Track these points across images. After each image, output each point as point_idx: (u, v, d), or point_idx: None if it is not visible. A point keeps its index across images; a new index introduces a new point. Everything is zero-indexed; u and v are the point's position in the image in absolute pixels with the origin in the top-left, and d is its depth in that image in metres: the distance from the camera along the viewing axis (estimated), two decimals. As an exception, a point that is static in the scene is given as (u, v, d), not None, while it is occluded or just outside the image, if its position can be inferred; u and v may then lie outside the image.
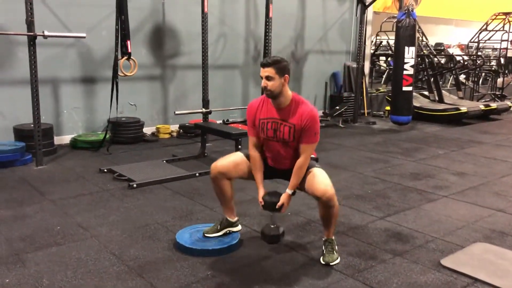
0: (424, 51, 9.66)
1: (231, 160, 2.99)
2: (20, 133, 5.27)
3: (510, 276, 2.76)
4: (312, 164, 2.88)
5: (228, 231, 3.17)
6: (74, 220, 3.47)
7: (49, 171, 4.75)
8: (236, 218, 3.19)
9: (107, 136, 5.74)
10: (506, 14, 11.11)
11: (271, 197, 2.82)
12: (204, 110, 5.80)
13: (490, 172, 5.08)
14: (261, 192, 2.87)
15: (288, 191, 2.82)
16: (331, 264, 2.84)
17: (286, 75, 2.75)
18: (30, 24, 4.60)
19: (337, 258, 2.89)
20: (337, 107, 8.09)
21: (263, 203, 2.83)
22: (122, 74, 5.40)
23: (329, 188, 2.72)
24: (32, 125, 4.90)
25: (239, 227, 3.23)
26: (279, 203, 2.79)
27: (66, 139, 5.94)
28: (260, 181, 2.91)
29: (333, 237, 2.96)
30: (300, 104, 2.79)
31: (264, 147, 2.96)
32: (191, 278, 2.66)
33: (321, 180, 2.76)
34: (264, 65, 2.74)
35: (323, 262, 2.85)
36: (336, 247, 2.96)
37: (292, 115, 2.77)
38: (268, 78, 2.71)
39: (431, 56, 9.66)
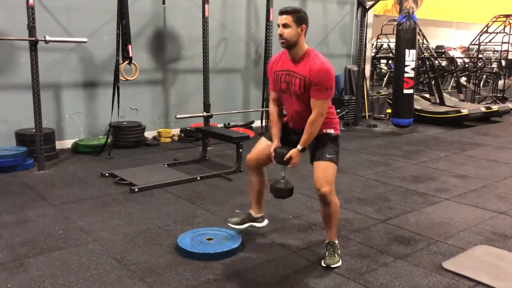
0: (425, 54, 9.67)
1: (258, 147, 3.06)
2: (22, 138, 5.28)
3: (512, 278, 2.76)
4: (324, 152, 2.82)
5: (251, 226, 3.22)
6: (76, 225, 3.48)
7: (50, 176, 4.76)
8: (260, 215, 3.23)
9: (109, 140, 5.75)
10: (506, 16, 11.11)
11: (281, 149, 2.85)
12: (205, 114, 5.82)
13: (491, 175, 5.07)
14: (275, 144, 2.89)
15: (298, 146, 2.79)
16: (332, 266, 2.84)
17: (304, 25, 2.72)
18: (31, 29, 4.62)
19: (339, 261, 2.89)
20: (338, 110, 8.08)
21: (273, 154, 2.86)
22: (124, 79, 5.42)
23: (325, 184, 2.74)
24: (34, 130, 4.91)
25: (262, 224, 3.27)
26: (287, 156, 2.79)
27: (67, 143, 5.95)
28: (276, 135, 2.92)
29: (336, 241, 2.97)
30: (314, 57, 2.74)
31: (283, 105, 2.96)
32: (192, 282, 2.66)
33: (321, 174, 2.77)
34: (282, 13, 2.71)
35: (324, 265, 2.86)
36: (339, 250, 2.96)
37: (304, 67, 2.74)
38: (285, 25, 2.69)
39: (432, 58, 9.67)
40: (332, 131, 2.90)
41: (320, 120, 2.76)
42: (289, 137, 2.98)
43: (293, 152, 2.80)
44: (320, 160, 2.83)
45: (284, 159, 2.80)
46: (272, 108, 2.99)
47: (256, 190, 3.16)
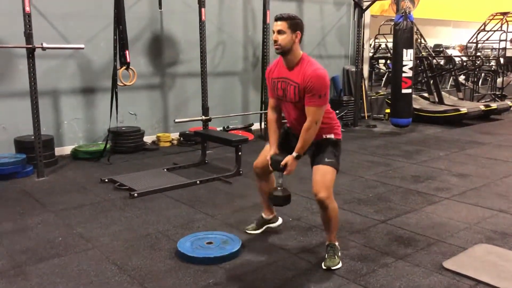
0: (423, 53, 9.67)
1: (263, 154, 3.10)
2: (21, 145, 5.28)
3: (513, 277, 2.75)
4: (323, 156, 2.83)
5: (268, 228, 3.39)
6: (76, 231, 3.48)
7: (50, 183, 4.76)
8: (271, 216, 3.38)
9: (108, 146, 5.75)
10: (503, 14, 11.13)
11: (277, 156, 2.88)
12: (204, 117, 5.81)
13: (491, 173, 5.07)
14: (272, 152, 2.92)
15: (294, 154, 2.81)
16: (332, 268, 2.84)
17: (298, 32, 2.74)
18: (28, 37, 4.62)
19: (339, 263, 2.88)
20: (337, 111, 8.09)
21: (270, 161, 2.90)
22: (122, 84, 5.43)
23: (323, 189, 2.74)
24: (33, 137, 4.91)
25: (277, 223, 3.44)
26: (283, 163, 2.81)
27: (67, 150, 5.95)
28: (273, 142, 2.96)
29: (336, 243, 2.97)
30: (307, 64, 2.75)
31: (282, 110, 2.99)
32: (193, 286, 2.66)
33: (319, 179, 2.78)
34: (277, 19, 2.74)
35: (324, 267, 2.85)
36: (339, 252, 2.96)
37: (298, 74, 2.75)
38: (280, 32, 2.72)
39: (430, 57, 9.68)
40: (332, 136, 2.90)
41: (314, 127, 2.75)
42: (290, 143, 2.97)
43: (288, 159, 2.81)
44: (319, 164, 2.83)
45: (281, 165, 2.82)
46: (271, 115, 3.01)
47: (265, 194, 3.23)
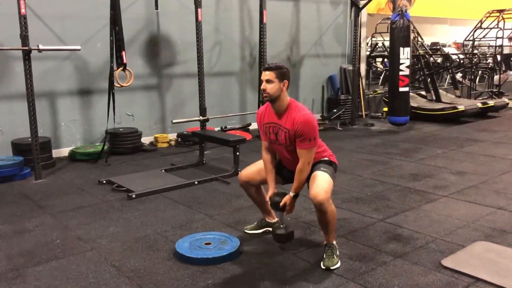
0: (420, 51, 9.68)
1: (254, 168, 3.20)
2: (18, 147, 5.27)
3: (512, 274, 2.76)
4: (319, 166, 2.95)
5: (267, 230, 3.37)
6: (74, 233, 3.47)
7: (48, 185, 4.75)
8: (275, 220, 3.36)
9: (105, 147, 5.74)
10: (500, 11, 11.14)
11: (276, 197, 2.96)
12: (201, 118, 5.81)
13: (489, 170, 5.07)
14: (271, 192, 3.01)
15: (291, 193, 2.91)
16: (331, 268, 2.84)
17: (285, 81, 2.87)
18: (24, 39, 4.62)
19: (337, 263, 2.89)
20: (335, 110, 8.10)
21: (269, 202, 3.01)
22: (118, 85, 5.42)
23: (321, 193, 2.76)
24: (30, 139, 4.90)
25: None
26: (281, 203, 2.90)
27: (64, 151, 5.94)
28: (271, 182, 3.05)
29: (334, 242, 2.98)
30: (295, 110, 2.88)
31: (275, 150, 3.09)
32: (191, 287, 2.65)
33: (317, 183, 2.83)
34: (266, 69, 2.88)
35: (323, 267, 2.85)
36: (337, 251, 2.96)
37: (287, 120, 2.88)
38: (268, 81, 2.84)
39: (427, 55, 9.68)
40: (326, 158, 3.03)
41: (307, 168, 2.88)
42: (282, 169, 3.14)
43: (286, 199, 2.91)
44: (316, 171, 2.92)
45: (280, 206, 2.92)
46: (265, 156, 3.09)
47: (258, 202, 3.33)
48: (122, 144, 6.02)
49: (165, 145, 6.59)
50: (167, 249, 3.16)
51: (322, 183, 2.82)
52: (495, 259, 2.95)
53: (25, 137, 5.34)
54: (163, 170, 5.15)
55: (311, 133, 2.82)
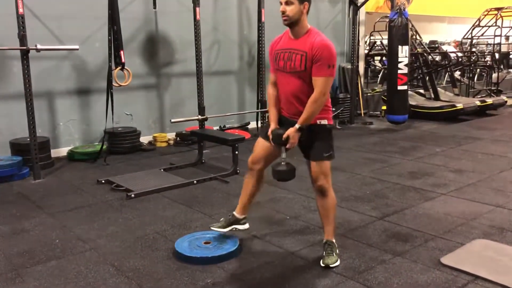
0: (418, 49, 9.68)
1: (256, 148, 3.03)
2: (16, 147, 5.26)
3: (511, 272, 2.76)
4: (324, 154, 2.84)
5: (234, 228, 3.13)
6: (73, 233, 3.47)
7: (46, 185, 4.75)
8: (243, 216, 3.15)
9: (104, 147, 5.74)
10: (498, 9, 11.14)
11: (278, 130, 2.83)
12: (200, 117, 5.81)
13: (488, 168, 5.08)
14: (273, 126, 2.88)
15: (296, 125, 2.74)
16: (330, 266, 2.84)
17: (306, 3, 2.71)
18: (22, 38, 4.61)
19: (337, 261, 2.89)
20: (334, 109, 8.09)
21: (271, 136, 2.84)
22: (117, 85, 5.41)
23: (321, 177, 2.81)
24: (29, 139, 4.89)
25: (246, 226, 3.18)
26: (285, 135, 2.75)
27: (63, 151, 5.93)
28: (273, 117, 2.91)
29: (333, 240, 2.97)
30: (316, 35, 2.72)
31: (278, 87, 2.91)
32: (191, 287, 2.65)
33: (317, 169, 2.82)
34: None
35: (322, 265, 2.85)
36: (337, 249, 2.96)
37: (305, 43, 2.71)
38: (287, 3, 2.68)
39: (425, 54, 9.68)
40: (325, 121, 2.85)
41: (322, 99, 2.70)
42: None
43: (290, 131, 2.75)
44: (317, 161, 2.84)
45: (283, 138, 2.76)
46: (271, 91, 2.96)
47: (249, 192, 3.10)
48: (120, 143, 6.02)
49: (164, 144, 6.58)
50: (166, 248, 3.16)
51: (322, 168, 2.82)
52: (494, 256, 2.96)
53: (23, 137, 5.33)
54: (162, 170, 5.15)
55: (331, 59, 2.66)
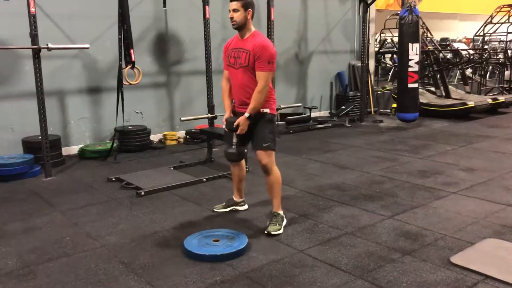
0: (429, 47, 9.61)
1: None
2: (28, 145, 5.32)
3: (522, 271, 2.73)
4: (263, 145, 3.28)
5: (234, 209, 3.80)
6: (84, 230, 3.50)
7: (58, 182, 4.79)
8: (241, 199, 3.81)
9: (115, 145, 5.78)
10: (510, 6, 11.02)
11: (231, 118, 3.34)
12: (209, 115, 5.81)
13: (499, 167, 5.03)
14: (227, 115, 3.40)
15: (245, 114, 3.24)
16: (272, 233, 3.26)
17: (250, 10, 3.24)
18: (34, 38, 4.65)
19: (279, 230, 3.31)
20: (343, 107, 8.08)
21: (225, 123, 3.37)
22: (127, 83, 5.44)
23: (265, 157, 3.27)
24: (40, 137, 4.95)
25: (245, 207, 3.84)
26: (235, 123, 3.25)
27: (74, 149, 5.98)
28: (227, 107, 3.45)
29: (280, 212, 3.42)
30: (258, 36, 3.26)
31: (230, 81, 3.44)
32: (200, 284, 2.67)
33: (261, 153, 3.30)
34: (232, 0, 3.23)
35: (265, 232, 3.29)
36: (283, 222, 3.39)
37: (249, 43, 3.24)
38: (234, 10, 3.21)
39: (436, 51, 9.61)
40: (268, 110, 3.32)
41: (265, 90, 3.21)
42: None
43: (240, 119, 3.24)
44: (258, 150, 3.31)
45: (234, 126, 3.25)
46: (224, 85, 3.50)
47: (236, 179, 3.71)
48: (131, 141, 6.06)
49: (174, 142, 6.61)
50: (175, 246, 3.18)
51: (265, 153, 3.28)
52: (505, 256, 2.93)
53: (35, 135, 5.39)
54: (171, 168, 5.17)
55: (269, 57, 3.17)
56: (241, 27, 3.26)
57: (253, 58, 3.19)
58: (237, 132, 3.27)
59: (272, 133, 3.33)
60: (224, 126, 3.41)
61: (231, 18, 3.22)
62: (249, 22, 3.26)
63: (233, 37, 3.42)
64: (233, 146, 3.35)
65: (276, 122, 3.49)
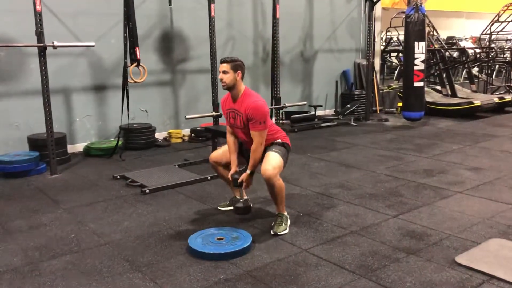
0: (435, 45, 9.56)
1: (220, 151, 3.63)
2: (34, 143, 5.34)
3: (527, 272, 2.71)
4: (271, 148, 3.34)
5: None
6: (88, 228, 3.51)
7: (63, 180, 4.81)
8: (244, 198, 3.58)
9: (120, 142, 5.79)
10: (518, 4, 10.94)
11: (235, 174, 3.38)
12: (214, 113, 5.82)
13: (505, 166, 5.00)
14: (232, 170, 3.42)
15: (248, 171, 3.31)
16: (278, 234, 3.26)
17: (239, 71, 3.29)
18: (39, 35, 4.67)
19: (285, 230, 3.32)
20: (349, 105, 8.05)
21: (231, 178, 3.42)
22: (132, 81, 5.46)
23: (270, 169, 3.17)
24: (46, 135, 4.97)
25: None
26: (239, 179, 3.31)
27: (79, 147, 6.01)
28: (233, 161, 3.46)
29: (284, 212, 3.41)
30: (247, 97, 3.30)
31: (236, 134, 3.49)
32: (203, 282, 2.67)
33: (267, 161, 3.23)
34: (222, 62, 3.30)
35: (272, 233, 3.29)
36: (288, 221, 3.40)
37: (241, 106, 3.29)
38: (224, 72, 3.27)
39: (442, 50, 9.56)
40: (279, 140, 3.41)
41: (260, 148, 3.28)
42: (243, 150, 3.55)
43: (243, 176, 3.31)
44: (268, 151, 3.30)
45: (238, 182, 3.32)
46: (229, 138, 3.51)
47: (226, 179, 3.63)
48: (136, 139, 6.08)
49: (179, 140, 6.62)
50: (179, 244, 3.18)
51: (271, 161, 3.22)
52: (510, 256, 2.92)
53: (40, 133, 5.42)
54: (176, 166, 5.18)
55: (261, 117, 3.22)
56: (231, 88, 3.31)
57: (247, 120, 3.26)
58: (243, 188, 3.36)
59: (282, 151, 3.36)
60: (231, 181, 3.47)
61: (221, 80, 3.28)
62: (239, 83, 3.32)
63: (226, 95, 3.46)
64: (241, 201, 3.42)
65: (288, 152, 3.48)
